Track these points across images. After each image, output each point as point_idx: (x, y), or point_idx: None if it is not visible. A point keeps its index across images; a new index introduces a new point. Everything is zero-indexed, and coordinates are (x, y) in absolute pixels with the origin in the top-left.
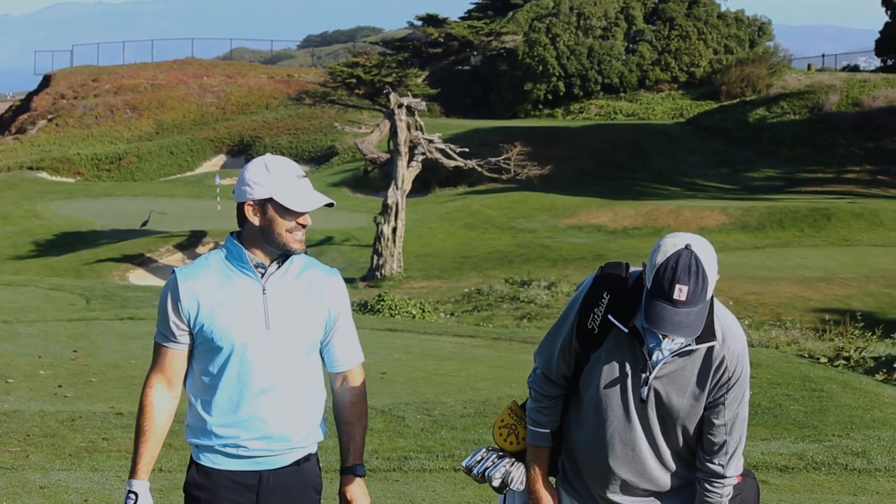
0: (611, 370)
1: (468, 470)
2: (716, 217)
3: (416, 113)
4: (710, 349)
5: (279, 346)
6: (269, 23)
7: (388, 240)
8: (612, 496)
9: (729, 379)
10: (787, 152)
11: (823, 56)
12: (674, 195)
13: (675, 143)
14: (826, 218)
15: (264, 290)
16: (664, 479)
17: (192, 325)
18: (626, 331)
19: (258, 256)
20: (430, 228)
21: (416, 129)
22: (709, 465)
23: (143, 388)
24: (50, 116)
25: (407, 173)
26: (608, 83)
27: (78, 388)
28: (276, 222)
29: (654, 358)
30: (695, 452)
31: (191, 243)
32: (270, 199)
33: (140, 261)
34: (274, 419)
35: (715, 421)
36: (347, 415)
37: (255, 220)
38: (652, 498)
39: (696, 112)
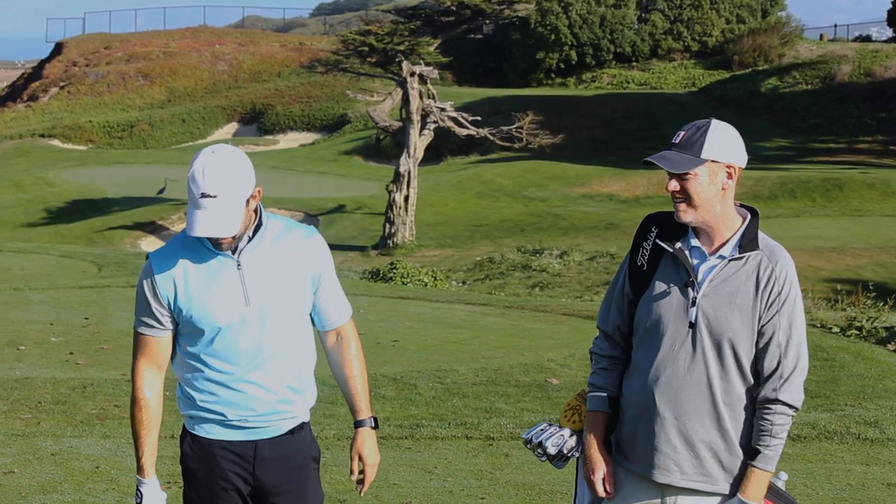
0: (658, 301)
1: (527, 441)
2: None
3: (428, 81)
4: (758, 265)
5: (262, 320)
6: None
7: (400, 208)
8: (656, 461)
9: (779, 295)
10: (800, 122)
11: (836, 26)
12: None
13: (688, 113)
14: (838, 188)
15: (239, 265)
16: (711, 423)
17: (172, 307)
18: (672, 250)
19: None
20: (443, 197)
21: (429, 97)
22: (762, 391)
23: (134, 379)
24: (62, 84)
25: (419, 142)
26: (620, 52)
27: (89, 356)
28: None
29: (700, 275)
30: (748, 404)
31: None
32: None
33: (152, 228)
34: (263, 392)
35: (769, 343)
36: (349, 369)
37: None
38: (695, 469)
39: (708, 81)
